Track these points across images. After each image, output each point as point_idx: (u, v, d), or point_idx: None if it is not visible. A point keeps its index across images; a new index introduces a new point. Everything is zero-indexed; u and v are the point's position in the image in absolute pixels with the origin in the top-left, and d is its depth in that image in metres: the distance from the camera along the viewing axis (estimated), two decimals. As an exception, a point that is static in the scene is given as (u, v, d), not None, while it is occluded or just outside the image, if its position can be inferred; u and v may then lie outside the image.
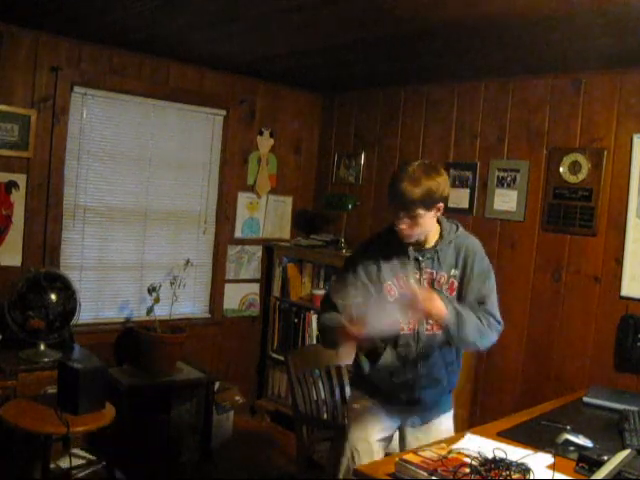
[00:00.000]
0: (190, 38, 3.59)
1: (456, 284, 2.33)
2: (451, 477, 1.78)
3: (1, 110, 3.58)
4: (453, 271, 2.32)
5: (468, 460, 1.86)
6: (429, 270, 2.32)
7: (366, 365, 2.41)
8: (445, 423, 2.50)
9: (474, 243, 2.38)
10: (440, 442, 2.15)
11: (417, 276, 2.30)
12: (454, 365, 2.43)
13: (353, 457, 2.40)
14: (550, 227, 3.63)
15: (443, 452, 1.93)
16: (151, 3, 2.93)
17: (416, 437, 2.43)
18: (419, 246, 2.33)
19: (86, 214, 4.04)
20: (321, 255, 4.51)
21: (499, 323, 2.34)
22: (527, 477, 1.81)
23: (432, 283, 2.31)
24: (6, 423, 2.77)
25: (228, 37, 3.50)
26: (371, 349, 2.36)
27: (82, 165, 3.99)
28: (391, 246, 2.34)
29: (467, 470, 1.80)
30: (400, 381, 2.35)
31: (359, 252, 2.45)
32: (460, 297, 2.33)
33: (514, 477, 1.80)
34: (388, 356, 2.32)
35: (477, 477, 1.78)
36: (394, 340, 2.31)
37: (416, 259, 2.32)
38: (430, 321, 2.28)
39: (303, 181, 5.06)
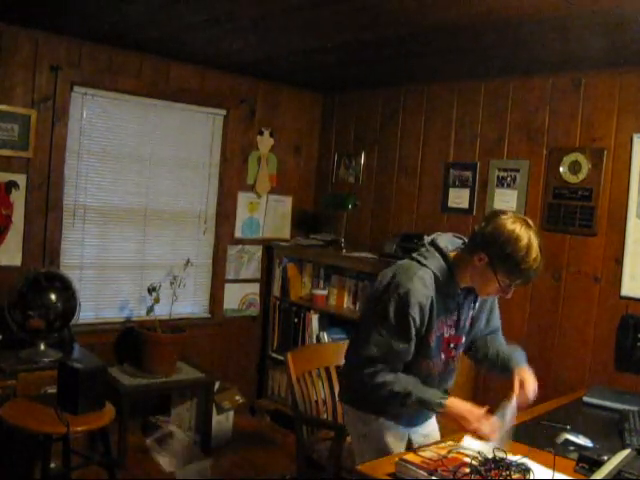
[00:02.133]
0: (190, 38, 3.60)
1: (474, 316, 2.31)
2: (451, 477, 1.78)
3: (1, 110, 3.58)
4: (476, 305, 2.29)
5: (468, 460, 1.86)
6: (465, 311, 2.24)
7: None
8: (434, 424, 2.52)
9: None
10: (440, 442, 2.15)
11: (454, 319, 2.21)
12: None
13: None
14: (550, 227, 3.63)
15: (443, 452, 1.93)
16: (151, 3, 2.93)
17: (420, 435, 2.42)
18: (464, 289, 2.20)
19: (86, 214, 4.04)
20: (321, 255, 4.51)
21: None
22: (527, 477, 1.81)
23: (466, 322, 2.26)
24: (6, 423, 2.77)
25: (228, 37, 3.50)
26: None
27: (82, 165, 3.99)
28: (445, 291, 2.15)
29: (467, 470, 1.80)
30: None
31: (422, 298, 2.09)
32: (474, 326, 2.33)
33: (514, 477, 1.80)
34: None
35: (477, 477, 1.78)
36: (422, 377, 2.20)
37: (461, 303, 2.21)
38: (455, 358, 2.30)
39: (303, 181, 5.06)
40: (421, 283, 2.08)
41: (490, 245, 2.02)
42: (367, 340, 2.13)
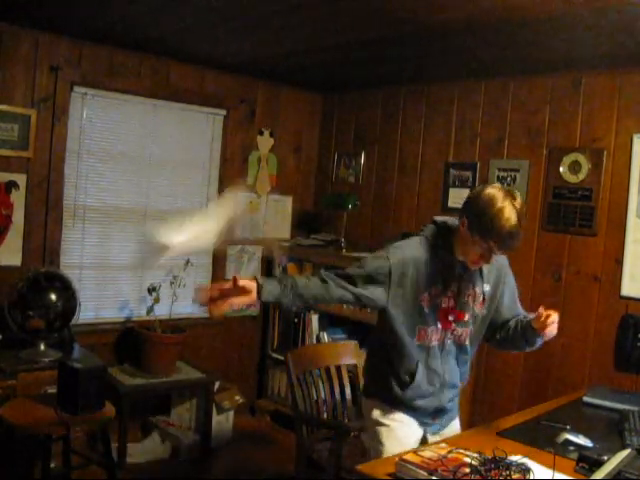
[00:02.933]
0: (190, 38, 3.59)
1: (486, 298, 2.32)
2: (451, 477, 1.78)
3: (1, 110, 3.58)
4: (485, 286, 2.31)
5: (468, 460, 1.86)
6: (466, 285, 2.28)
7: (401, 385, 2.30)
8: (456, 426, 2.50)
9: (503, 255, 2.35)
10: (439, 442, 2.15)
11: (454, 290, 2.25)
12: (466, 371, 2.43)
13: None
14: (550, 227, 3.63)
15: (443, 452, 1.93)
16: (151, 3, 2.93)
17: (439, 436, 2.39)
18: (464, 262, 2.25)
19: (86, 214, 4.04)
20: (321, 255, 4.51)
21: None
22: (527, 477, 1.81)
23: (467, 297, 2.28)
24: (6, 423, 2.77)
25: (228, 37, 3.50)
26: (406, 369, 2.28)
27: (82, 165, 3.98)
28: (439, 257, 2.23)
29: (467, 470, 1.80)
30: (430, 393, 2.32)
31: (408, 253, 2.21)
32: (490, 310, 2.35)
33: (514, 477, 1.80)
34: (421, 371, 2.28)
35: (477, 477, 1.78)
36: (425, 354, 2.27)
37: (460, 275, 2.26)
38: (454, 333, 2.30)
39: (303, 181, 5.06)
40: (407, 244, 2.25)
41: (468, 207, 2.13)
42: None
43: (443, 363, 2.32)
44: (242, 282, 2.02)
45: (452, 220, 2.30)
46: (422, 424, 2.37)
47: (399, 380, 2.30)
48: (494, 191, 2.08)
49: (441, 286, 2.23)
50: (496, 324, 2.40)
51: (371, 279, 2.17)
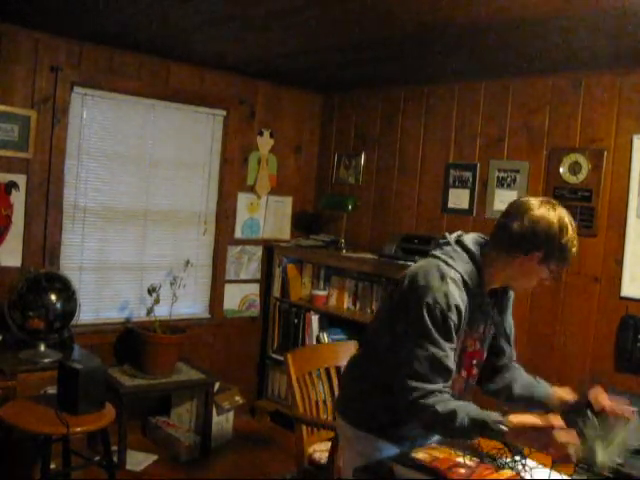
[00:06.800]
0: (190, 38, 3.59)
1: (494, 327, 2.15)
2: (448, 476, 1.77)
3: (1, 110, 3.58)
4: (496, 316, 2.14)
5: (461, 460, 1.86)
6: (489, 321, 2.09)
7: (397, 422, 2.05)
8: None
9: None
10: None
11: (481, 331, 2.06)
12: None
13: None
14: (550, 227, 3.63)
15: (436, 453, 1.92)
16: (151, 3, 2.93)
17: None
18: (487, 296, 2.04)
19: (86, 214, 4.04)
20: (321, 255, 4.51)
21: None
22: (526, 477, 1.81)
23: (487, 333, 2.12)
24: (6, 423, 2.77)
25: (228, 37, 3.50)
26: None
27: (82, 165, 3.98)
28: (471, 296, 1.97)
29: (462, 471, 1.80)
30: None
31: (456, 293, 1.91)
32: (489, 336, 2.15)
33: (511, 476, 1.80)
34: None
35: (474, 476, 1.78)
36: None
37: (487, 313, 2.05)
38: (474, 377, 2.13)
39: (303, 181, 5.06)
40: (455, 285, 1.91)
41: (544, 241, 1.89)
42: (408, 357, 1.87)
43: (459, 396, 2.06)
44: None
45: (477, 241, 2.06)
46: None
47: (395, 416, 2.02)
48: (555, 214, 1.90)
49: (470, 329, 2.00)
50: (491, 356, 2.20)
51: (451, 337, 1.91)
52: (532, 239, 1.90)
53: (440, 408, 1.81)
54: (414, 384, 1.84)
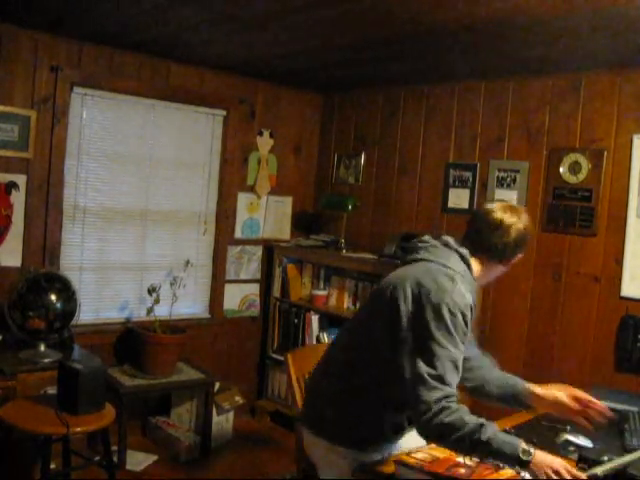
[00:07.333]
0: (190, 38, 3.59)
1: None
2: (447, 476, 1.77)
3: (1, 110, 3.58)
4: None
5: (461, 460, 1.86)
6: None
7: (396, 428, 2.06)
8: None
9: None
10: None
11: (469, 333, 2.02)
12: None
13: None
14: (550, 227, 3.63)
15: (435, 452, 1.93)
16: (151, 3, 2.93)
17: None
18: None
19: (86, 215, 4.04)
20: (321, 255, 4.51)
21: None
22: (526, 477, 1.81)
23: None
24: (6, 423, 2.77)
25: (228, 37, 3.50)
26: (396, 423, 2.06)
27: (82, 165, 3.98)
28: (469, 287, 2.00)
29: (462, 471, 1.80)
30: None
31: (467, 293, 1.94)
32: None
33: (511, 476, 1.80)
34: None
35: (474, 476, 1.78)
36: None
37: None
38: None
39: (303, 181, 5.06)
40: (464, 285, 1.94)
41: (522, 246, 2.11)
42: (431, 358, 1.82)
43: None
44: None
45: (461, 248, 2.07)
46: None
47: (395, 425, 2.04)
48: (518, 220, 2.07)
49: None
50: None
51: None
52: (515, 249, 2.09)
53: (466, 417, 1.76)
54: (434, 383, 1.79)
